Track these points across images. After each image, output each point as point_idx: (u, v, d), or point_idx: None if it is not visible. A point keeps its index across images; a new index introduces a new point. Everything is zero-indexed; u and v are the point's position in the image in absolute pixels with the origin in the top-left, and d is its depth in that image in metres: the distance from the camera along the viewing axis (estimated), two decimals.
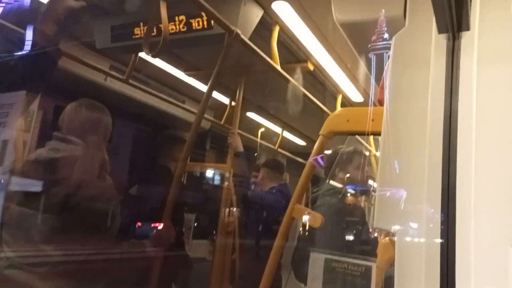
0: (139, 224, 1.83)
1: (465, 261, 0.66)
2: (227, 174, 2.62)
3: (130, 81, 2.48)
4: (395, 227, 0.77)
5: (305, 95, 2.62)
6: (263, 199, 2.79)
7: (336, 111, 1.30)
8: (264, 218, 2.66)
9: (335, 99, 3.04)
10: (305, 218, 1.35)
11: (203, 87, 3.04)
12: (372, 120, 1.01)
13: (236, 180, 2.73)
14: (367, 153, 2.20)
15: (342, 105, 3.04)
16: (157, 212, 1.83)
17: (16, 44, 0.87)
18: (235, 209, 2.58)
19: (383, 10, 0.98)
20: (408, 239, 0.75)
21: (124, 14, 2.18)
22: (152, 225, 1.79)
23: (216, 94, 3.22)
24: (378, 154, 0.86)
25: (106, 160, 1.53)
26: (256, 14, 2.01)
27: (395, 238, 0.76)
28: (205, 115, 2.59)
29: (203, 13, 1.85)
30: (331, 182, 2.17)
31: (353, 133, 1.27)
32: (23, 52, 0.86)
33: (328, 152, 2.20)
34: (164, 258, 1.69)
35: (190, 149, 1.96)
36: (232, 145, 2.58)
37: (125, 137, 3.60)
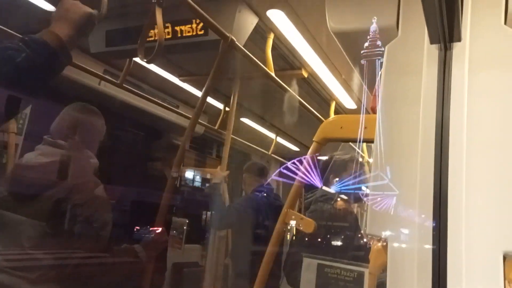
0: (133, 228, 1.81)
1: (457, 267, 0.68)
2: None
3: (124, 85, 2.48)
4: (388, 233, 0.78)
5: (299, 102, 2.64)
6: (244, 202, 2.87)
7: (330, 118, 1.31)
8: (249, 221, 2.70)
9: (329, 106, 3.07)
10: (296, 223, 1.36)
11: (198, 93, 3.05)
12: (365, 127, 1.03)
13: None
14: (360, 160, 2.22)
15: (336, 112, 3.06)
16: (149, 217, 1.81)
17: (24, 44, 0.84)
18: None
19: (375, 18, 1.00)
20: (400, 245, 0.75)
21: (119, 18, 2.18)
22: (145, 229, 1.78)
23: (211, 100, 3.23)
24: (371, 160, 0.87)
25: (97, 164, 1.51)
26: (251, 21, 2.03)
27: (388, 244, 0.77)
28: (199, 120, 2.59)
29: (198, 20, 1.87)
30: (324, 188, 2.18)
31: (346, 140, 1.29)
32: (33, 53, 0.84)
33: (322, 158, 2.22)
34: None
35: (183, 154, 1.96)
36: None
37: (118, 141, 3.58)
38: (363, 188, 2.12)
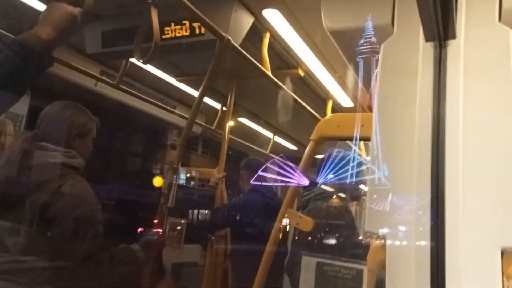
0: (129, 228, 1.81)
1: (455, 263, 0.68)
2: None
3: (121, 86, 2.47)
4: (386, 231, 0.78)
5: (296, 100, 2.65)
6: (240, 201, 2.76)
7: (327, 116, 1.32)
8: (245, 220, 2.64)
9: (326, 104, 3.07)
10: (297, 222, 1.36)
11: (195, 93, 3.05)
12: (362, 125, 1.03)
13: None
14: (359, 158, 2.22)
15: (333, 110, 3.07)
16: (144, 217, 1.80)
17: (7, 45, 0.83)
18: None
19: (370, 15, 1.00)
20: (398, 242, 0.76)
21: (115, 19, 2.18)
22: (141, 229, 1.77)
23: (210, 102, 3.23)
24: (368, 158, 0.87)
25: (82, 163, 1.47)
26: (247, 21, 2.03)
27: (386, 242, 0.77)
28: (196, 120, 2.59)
29: (194, 20, 1.86)
30: (322, 186, 2.19)
31: (344, 138, 1.29)
32: (13, 53, 0.82)
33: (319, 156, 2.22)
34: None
35: (181, 154, 1.96)
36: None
37: (114, 141, 3.57)
38: (361, 186, 2.13)
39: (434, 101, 0.75)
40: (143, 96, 2.74)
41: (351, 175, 2.11)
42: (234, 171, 3.06)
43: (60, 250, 1.32)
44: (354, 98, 2.98)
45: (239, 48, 1.93)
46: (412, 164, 0.75)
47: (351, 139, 1.08)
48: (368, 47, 1.05)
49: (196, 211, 3.93)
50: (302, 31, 2.14)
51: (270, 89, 2.49)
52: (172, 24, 1.97)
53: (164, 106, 2.98)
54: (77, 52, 2.52)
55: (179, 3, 1.55)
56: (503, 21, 0.79)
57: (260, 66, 2.16)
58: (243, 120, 3.89)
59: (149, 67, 2.74)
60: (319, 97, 3.03)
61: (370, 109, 1.02)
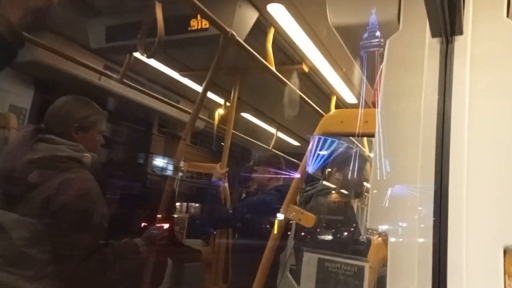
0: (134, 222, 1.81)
1: (457, 261, 0.68)
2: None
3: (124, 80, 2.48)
4: (388, 227, 0.78)
5: (299, 96, 2.64)
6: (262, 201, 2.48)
7: (330, 112, 1.31)
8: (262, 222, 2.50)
9: (330, 100, 3.06)
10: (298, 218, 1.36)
11: (198, 88, 3.05)
12: (366, 121, 1.02)
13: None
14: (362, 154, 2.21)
15: (337, 106, 3.06)
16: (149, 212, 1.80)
17: None
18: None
19: (375, 10, 0.99)
20: (400, 239, 0.76)
21: (119, 14, 2.18)
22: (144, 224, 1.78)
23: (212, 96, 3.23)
24: (371, 155, 0.87)
25: (89, 157, 1.47)
26: (251, 16, 2.02)
27: (388, 238, 0.77)
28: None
29: (198, 14, 1.86)
30: (324, 182, 2.18)
31: (347, 135, 1.28)
32: None
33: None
34: None
35: (184, 148, 1.97)
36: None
37: (117, 135, 3.56)
38: (364, 182, 2.13)
39: (439, 97, 0.75)
40: (146, 90, 2.75)
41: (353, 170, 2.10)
42: (233, 165, 3.00)
43: (62, 244, 1.32)
44: (358, 94, 2.97)
45: (243, 43, 1.92)
46: (416, 161, 0.75)
47: (354, 135, 1.07)
48: (373, 42, 1.04)
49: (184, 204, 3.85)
50: (307, 26, 2.13)
51: (273, 84, 2.48)
52: (177, 18, 1.96)
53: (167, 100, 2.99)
54: (80, 46, 2.52)
55: None
56: (511, 17, 0.78)
57: (264, 61, 2.16)
58: (246, 116, 3.88)
59: (152, 62, 2.74)
60: (323, 93, 3.02)
61: (374, 105, 1.01)
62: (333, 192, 2.12)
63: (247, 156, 4.63)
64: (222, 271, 2.59)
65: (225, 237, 2.66)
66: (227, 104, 3.03)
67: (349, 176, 2.11)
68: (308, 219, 1.35)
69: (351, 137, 1.55)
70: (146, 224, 1.78)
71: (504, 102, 0.73)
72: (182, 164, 1.90)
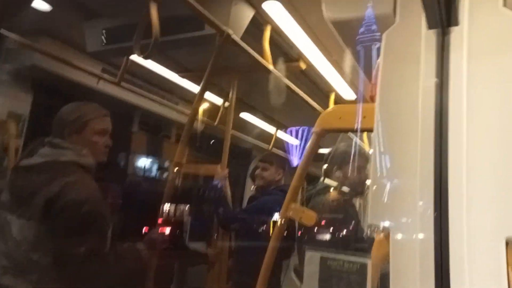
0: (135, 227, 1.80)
1: (459, 254, 0.67)
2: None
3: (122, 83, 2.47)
4: (389, 224, 0.77)
5: (298, 94, 2.63)
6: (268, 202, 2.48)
7: (329, 108, 1.30)
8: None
9: (328, 97, 3.05)
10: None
11: (196, 88, 3.04)
12: (364, 116, 1.01)
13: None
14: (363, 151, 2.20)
15: (335, 103, 3.05)
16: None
17: None
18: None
19: (371, 4, 0.98)
20: (402, 235, 0.75)
21: (115, 16, 2.17)
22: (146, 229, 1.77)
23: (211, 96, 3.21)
24: (371, 151, 0.86)
25: (91, 162, 1.47)
26: (247, 14, 2.01)
27: (390, 235, 0.76)
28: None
29: (194, 14, 1.85)
30: (326, 180, 2.17)
31: (346, 130, 1.27)
32: None
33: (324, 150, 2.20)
34: None
35: (183, 151, 1.96)
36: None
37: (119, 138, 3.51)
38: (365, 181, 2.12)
39: (437, 90, 0.74)
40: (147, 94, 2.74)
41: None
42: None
43: (63, 247, 1.32)
44: (356, 90, 2.96)
45: (240, 41, 1.91)
46: (415, 155, 0.74)
47: (353, 131, 1.07)
48: (369, 37, 1.03)
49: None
50: (304, 23, 2.12)
51: (271, 83, 2.47)
52: (172, 19, 1.95)
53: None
54: (76, 50, 2.51)
55: None
56: (508, 6, 0.76)
57: (261, 59, 2.15)
58: (245, 115, 3.87)
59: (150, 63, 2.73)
60: (321, 90, 3.01)
61: (372, 100, 1.00)
62: (332, 190, 2.11)
63: (247, 156, 4.60)
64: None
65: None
66: (226, 104, 3.02)
67: (349, 174, 2.10)
68: (309, 217, 1.34)
69: (350, 133, 1.54)
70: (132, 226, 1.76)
71: (502, 92, 0.72)
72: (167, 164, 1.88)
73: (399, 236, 0.74)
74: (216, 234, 2.62)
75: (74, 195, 1.33)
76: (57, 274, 1.32)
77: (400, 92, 0.82)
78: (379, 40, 0.88)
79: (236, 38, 1.86)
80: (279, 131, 4.15)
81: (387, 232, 0.78)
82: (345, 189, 2.12)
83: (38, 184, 1.35)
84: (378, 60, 0.89)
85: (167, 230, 1.74)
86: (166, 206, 2.04)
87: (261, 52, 2.19)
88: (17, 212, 1.36)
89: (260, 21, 2.16)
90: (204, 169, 2.68)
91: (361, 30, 0.98)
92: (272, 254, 1.39)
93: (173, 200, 2.00)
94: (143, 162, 3.72)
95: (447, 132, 0.71)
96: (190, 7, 1.59)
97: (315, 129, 1.22)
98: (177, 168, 2.00)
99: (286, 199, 1.39)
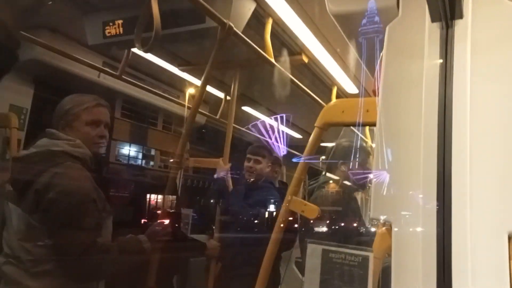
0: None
1: (462, 248, 0.67)
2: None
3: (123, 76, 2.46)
4: (392, 217, 0.77)
5: (300, 87, 2.62)
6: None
7: (331, 102, 1.29)
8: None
9: (331, 91, 3.04)
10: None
11: (198, 82, 3.03)
12: (367, 110, 1.01)
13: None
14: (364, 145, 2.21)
15: (338, 97, 3.04)
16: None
17: None
18: None
19: None
20: (404, 228, 0.75)
21: (115, 9, 2.16)
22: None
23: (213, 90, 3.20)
24: (373, 145, 0.86)
25: (84, 153, 1.47)
26: (248, 7, 1.99)
27: (392, 228, 0.76)
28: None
29: (195, 7, 1.83)
30: (328, 174, 2.18)
31: (348, 124, 1.27)
32: None
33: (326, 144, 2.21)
34: None
35: (184, 145, 1.96)
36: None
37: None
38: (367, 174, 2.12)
39: (440, 83, 0.73)
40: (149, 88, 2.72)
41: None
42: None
43: (55, 237, 1.33)
44: (359, 84, 2.94)
45: (241, 34, 1.90)
46: (418, 149, 0.74)
47: (356, 125, 1.06)
48: (372, 30, 1.02)
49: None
50: (305, 15, 2.11)
51: (273, 76, 2.46)
52: (173, 12, 1.94)
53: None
54: (78, 43, 2.51)
55: None
56: None
57: (263, 53, 2.14)
58: (247, 109, 3.87)
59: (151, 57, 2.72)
60: (323, 83, 3.00)
61: (375, 93, 1.00)
62: (332, 183, 2.12)
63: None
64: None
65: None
66: (228, 98, 3.01)
67: (352, 169, 2.11)
68: (311, 210, 1.34)
69: (352, 128, 1.54)
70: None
71: (505, 85, 0.71)
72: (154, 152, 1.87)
73: (401, 229, 0.74)
74: (218, 226, 2.62)
75: (62, 186, 1.34)
76: (51, 265, 1.33)
77: (403, 85, 0.82)
78: (382, 32, 0.88)
79: (238, 31, 1.85)
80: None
81: (389, 226, 0.78)
82: (347, 183, 2.13)
83: (30, 174, 1.37)
84: (381, 53, 0.88)
85: (169, 222, 1.75)
86: (168, 198, 2.05)
87: (262, 45, 2.17)
88: (15, 202, 1.38)
89: (261, 14, 2.14)
90: (207, 162, 2.68)
91: (363, 21, 0.98)
92: (274, 246, 1.40)
93: (174, 193, 2.01)
94: (126, 150, 3.57)
95: (451, 126, 0.71)
96: (191, 0, 1.58)
97: (317, 123, 1.22)
98: (178, 160, 2.00)
99: (288, 192, 1.39)
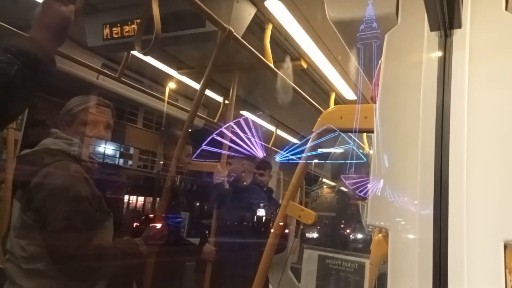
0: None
1: (458, 256, 0.67)
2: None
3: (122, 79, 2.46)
4: (388, 224, 0.77)
5: (298, 93, 2.63)
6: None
7: (329, 108, 1.30)
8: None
9: (329, 97, 3.05)
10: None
11: (197, 86, 3.03)
12: (365, 117, 1.02)
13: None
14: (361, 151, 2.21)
15: (336, 103, 3.05)
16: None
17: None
18: None
19: (374, 4, 0.98)
20: (401, 235, 0.75)
21: (115, 11, 2.16)
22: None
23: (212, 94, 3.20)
24: (371, 152, 0.86)
25: (80, 152, 1.49)
26: (248, 12, 2.01)
27: (389, 235, 0.76)
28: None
29: (196, 11, 1.84)
30: (324, 180, 2.19)
31: (346, 130, 1.27)
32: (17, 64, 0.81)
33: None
34: None
35: (182, 148, 1.96)
36: None
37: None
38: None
39: (438, 91, 0.74)
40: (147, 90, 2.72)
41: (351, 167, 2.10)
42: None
43: (50, 236, 1.33)
44: (357, 90, 2.96)
45: (241, 39, 1.91)
46: (416, 156, 0.74)
47: (354, 131, 1.07)
48: (371, 37, 1.03)
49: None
50: (305, 22, 2.12)
51: (272, 81, 2.47)
52: (174, 15, 1.94)
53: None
54: (78, 45, 2.51)
55: None
56: (509, 10, 0.77)
57: (262, 58, 2.14)
58: (245, 113, 3.87)
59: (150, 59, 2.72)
60: (322, 89, 3.01)
61: (373, 100, 1.00)
62: (338, 190, 2.13)
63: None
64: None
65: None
66: (226, 102, 3.02)
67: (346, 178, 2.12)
68: (308, 216, 1.34)
69: (350, 134, 1.54)
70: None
71: (503, 94, 0.72)
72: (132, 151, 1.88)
73: (398, 236, 0.75)
74: (214, 230, 2.61)
75: (53, 184, 1.35)
76: (46, 264, 1.33)
77: (401, 93, 0.82)
78: (379, 38, 0.88)
79: (238, 35, 1.86)
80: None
81: (385, 232, 0.78)
82: (344, 189, 2.13)
83: (26, 171, 1.38)
84: (380, 60, 0.89)
85: (164, 226, 1.75)
86: (164, 202, 2.04)
87: (262, 50, 2.18)
88: (18, 199, 1.40)
89: (261, 19, 2.15)
90: (205, 166, 2.68)
91: (361, 27, 0.98)
92: (271, 250, 1.39)
93: (172, 196, 2.00)
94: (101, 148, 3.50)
95: (448, 134, 0.72)
96: (192, 4, 1.59)
97: (315, 128, 1.22)
98: (176, 164, 2.00)
99: (285, 197, 1.39)
